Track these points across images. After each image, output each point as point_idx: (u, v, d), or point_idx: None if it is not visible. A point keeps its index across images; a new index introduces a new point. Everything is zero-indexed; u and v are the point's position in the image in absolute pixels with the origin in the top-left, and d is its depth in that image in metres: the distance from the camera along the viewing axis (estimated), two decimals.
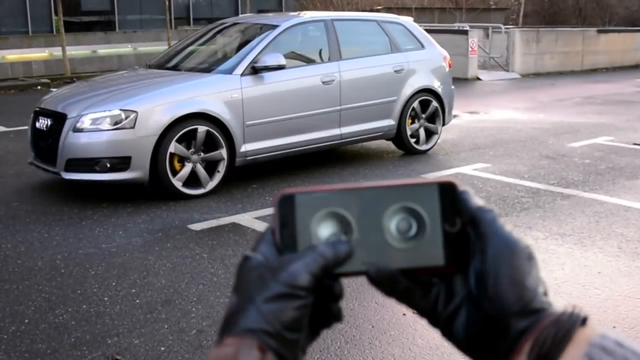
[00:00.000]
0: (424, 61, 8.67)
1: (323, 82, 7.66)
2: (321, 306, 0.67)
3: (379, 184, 0.69)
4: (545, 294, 0.64)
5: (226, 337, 0.62)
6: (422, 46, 8.77)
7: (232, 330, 0.63)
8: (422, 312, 0.68)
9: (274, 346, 0.61)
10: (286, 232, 0.67)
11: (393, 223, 0.68)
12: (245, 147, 7.04)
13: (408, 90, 8.39)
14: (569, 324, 0.60)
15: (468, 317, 0.65)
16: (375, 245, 0.68)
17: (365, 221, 0.68)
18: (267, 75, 7.20)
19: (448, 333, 0.67)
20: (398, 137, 8.43)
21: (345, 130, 7.88)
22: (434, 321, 0.68)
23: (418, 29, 8.99)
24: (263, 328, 0.62)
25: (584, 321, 0.61)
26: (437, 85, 8.68)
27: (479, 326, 0.64)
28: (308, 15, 8.34)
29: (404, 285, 0.67)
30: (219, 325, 0.65)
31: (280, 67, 7.21)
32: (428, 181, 0.68)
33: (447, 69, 8.94)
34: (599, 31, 22.82)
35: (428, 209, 0.68)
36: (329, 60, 7.88)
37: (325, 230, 0.68)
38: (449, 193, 0.68)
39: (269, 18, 8.57)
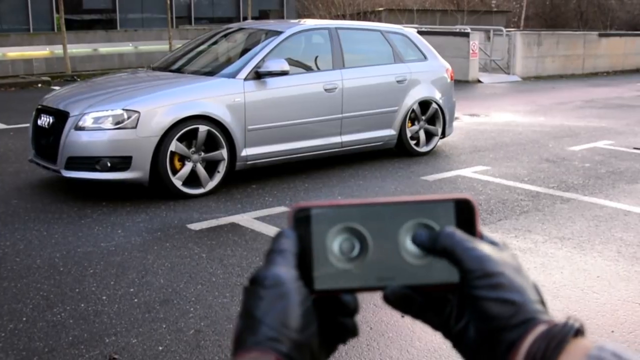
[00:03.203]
0: (426, 72, 8.69)
1: (325, 90, 7.66)
2: (336, 321, 0.68)
3: (395, 200, 0.69)
4: (541, 301, 0.65)
5: (239, 353, 0.63)
6: (425, 57, 8.79)
7: (243, 347, 0.63)
8: (436, 327, 0.69)
9: (285, 351, 0.61)
10: (301, 246, 0.67)
11: (408, 239, 0.68)
12: (246, 152, 7.04)
13: (410, 101, 8.41)
14: (561, 336, 0.60)
15: (471, 333, 0.66)
16: (391, 261, 0.68)
17: (381, 237, 0.68)
18: (270, 80, 7.21)
19: (459, 347, 0.67)
20: (398, 140, 8.44)
21: (346, 138, 7.89)
22: (447, 335, 0.68)
23: (421, 40, 9.01)
24: (271, 336, 0.62)
25: (578, 332, 0.61)
26: (438, 96, 8.69)
27: (477, 341, 0.65)
28: (312, 22, 8.36)
29: (418, 303, 0.68)
30: (231, 350, 0.65)
31: (284, 73, 7.21)
32: (444, 198, 0.68)
33: (449, 81, 8.96)
34: (600, 35, 22.84)
35: (444, 225, 0.68)
36: (332, 68, 7.89)
37: (340, 245, 0.68)
38: (464, 210, 0.68)
39: (273, 24, 8.59)
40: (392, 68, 8.41)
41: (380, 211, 0.68)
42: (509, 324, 0.62)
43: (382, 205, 0.69)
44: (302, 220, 0.68)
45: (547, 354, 0.59)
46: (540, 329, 0.61)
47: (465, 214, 0.68)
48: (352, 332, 0.69)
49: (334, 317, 0.68)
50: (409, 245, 0.68)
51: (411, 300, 0.67)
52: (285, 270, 0.65)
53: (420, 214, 0.68)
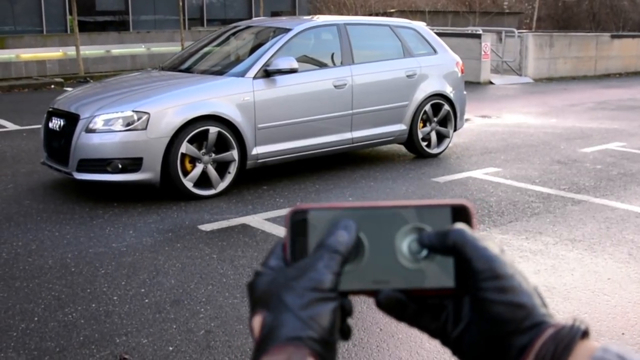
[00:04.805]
0: (437, 66, 8.66)
1: (335, 86, 7.66)
2: None
3: (392, 204, 0.69)
4: (544, 305, 0.65)
5: (271, 348, 0.61)
6: (435, 51, 8.76)
7: (275, 341, 0.62)
8: (433, 334, 0.69)
9: (320, 351, 0.61)
10: (298, 248, 0.68)
11: (405, 243, 0.68)
12: (256, 150, 7.06)
13: (420, 95, 8.38)
14: (569, 338, 0.60)
15: (473, 337, 0.65)
16: (387, 264, 0.68)
17: (378, 240, 0.68)
18: (279, 78, 7.22)
19: (458, 352, 0.67)
20: (409, 140, 8.43)
21: (357, 134, 7.88)
22: (445, 342, 0.69)
23: (430, 34, 8.98)
24: (309, 335, 0.61)
25: (585, 334, 0.61)
26: (449, 90, 8.66)
27: (483, 346, 0.65)
28: (321, 19, 8.34)
29: (412, 310, 0.68)
30: (255, 345, 0.64)
31: (293, 71, 7.21)
32: (441, 203, 0.69)
33: (460, 74, 8.93)
34: (613, 36, 22.73)
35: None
36: (341, 64, 7.89)
37: None
38: (461, 215, 0.68)
39: (282, 22, 8.58)
40: (402, 63, 8.39)
41: (377, 214, 0.68)
42: (520, 328, 0.62)
43: (379, 208, 0.69)
44: (299, 222, 0.68)
45: (555, 356, 0.59)
46: (549, 332, 0.61)
47: (461, 219, 0.68)
48: (345, 334, 0.68)
49: None
50: (405, 249, 0.68)
51: (404, 307, 0.67)
52: (331, 277, 0.64)
53: (417, 218, 0.68)
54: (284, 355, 0.60)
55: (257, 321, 0.65)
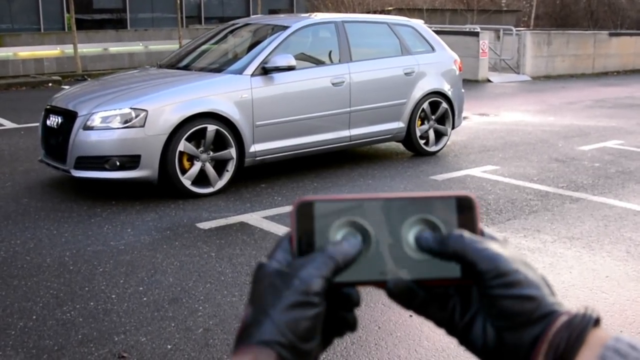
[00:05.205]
0: (434, 64, 8.66)
1: (333, 84, 7.66)
2: (337, 315, 0.68)
3: (398, 195, 0.69)
4: (552, 293, 0.65)
5: (242, 347, 0.62)
6: (433, 49, 8.76)
7: (247, 341, 0.62)
8: (439, 322, 0.69)
9: (288, 357, 0.62)
10: (304, 240, 0.68)
11: (411, 234, 0.69)
12: (254, 148, 7.06)
13: (418, 93, 8.38)
14: (582, 326, 0.61)
15: (483, 327, 0.66)
16: (393, 255, 0.68)
17: (384, 231, 0.69)
18: (277, 75, 7.21)
19: (465, 342, 0.67)
20: (407, 138, 8.43)
21: (355, 132, 7.88)
22: (452, 331, 0.69)
23: (428, 32, 8.98)
24: (277, 340, 0.61)
25: (596, 322, 0.62)
26: (447, 88, 8.67)
27: (494, 336, 0.65)
28: (319, 16, 8.34)
29: (421, 297, 0.68)
30: (235, 336, 0.65)
31: (291, 68, 7.21)
32: (446, 194, 0.69)
33: (457, 72, 8.93)
34: (611, 34, 22.74)
35: (445, 221, 0.69)
36: (339, 61, 7.89)
37: (343, 238, 0.69)
38: (465, 207, 0.69)
39: (280, 19, 8.58)
40: (400, 60, 8.39)
41: (383, 206, 0.69)
42: (531, 319, 0.63)
43: (385, 200, 0.69)
44: (305, 214, 0.68)
45: (569, 344, 0.60)
46: (561, 320, 0.62)
47: (466, 210, 0.69)
48: (351, 326, 0.68)
49: (335, 310, 0.67)
50: (411, 240, 0.68)
51: (414, 294, 0.67)
52: (319, 281, 0.63)
53: (422, 209, 0.69)
54: (250, 356, 0.61)
55: (243, 316, 0.66)
